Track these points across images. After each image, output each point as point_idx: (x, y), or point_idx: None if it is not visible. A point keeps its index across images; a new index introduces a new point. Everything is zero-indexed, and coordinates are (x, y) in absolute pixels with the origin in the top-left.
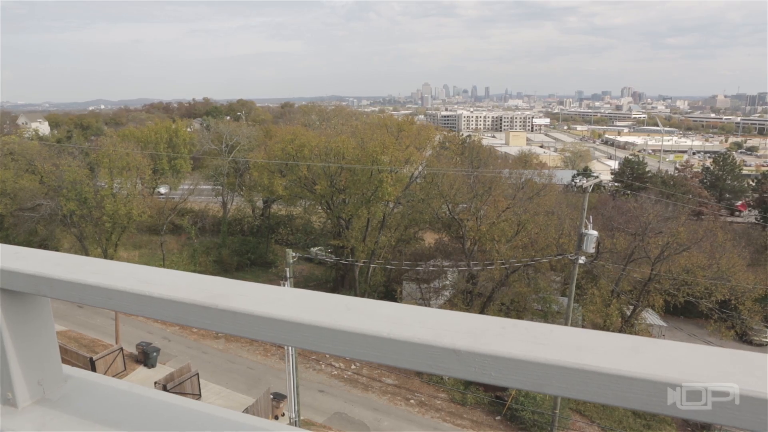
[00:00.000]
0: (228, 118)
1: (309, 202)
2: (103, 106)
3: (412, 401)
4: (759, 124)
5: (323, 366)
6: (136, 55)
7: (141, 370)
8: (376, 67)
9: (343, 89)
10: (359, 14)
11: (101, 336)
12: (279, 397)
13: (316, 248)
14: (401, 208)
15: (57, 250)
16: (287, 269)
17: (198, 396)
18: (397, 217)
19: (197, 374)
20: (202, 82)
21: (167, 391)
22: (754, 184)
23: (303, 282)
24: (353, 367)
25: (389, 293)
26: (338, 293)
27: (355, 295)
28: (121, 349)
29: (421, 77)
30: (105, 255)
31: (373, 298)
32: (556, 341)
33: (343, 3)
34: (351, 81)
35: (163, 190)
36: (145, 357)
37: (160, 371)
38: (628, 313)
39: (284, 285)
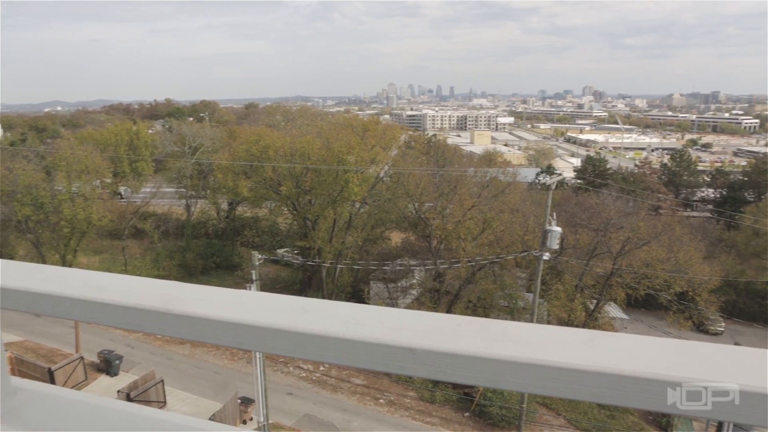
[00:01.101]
0: (191, 119)
1: (275, 203)
2: (59, 108)
3: (381, 401)
4: (712, 122)
5: (291, 368)
6: (95, 56)
7: (103, 379)
8: (341, 67)
9: (308, 89)
10: (323, 14)
11: (60, 345)
12: (247, 402)
13: (283, 250)
14: (367, 208)
15: (12, 258)
16: (253, 272)
17: (163, 403)
18: (364, 217)
19: (162, 381)
20: (164, 83)
21: (131, 399)
22: (708, 180)
23: (270, 284)
24: (321, 368)
25: (356, 293)
26: (305, 294)
27: (323, 295)
28: (82, 358)
29: (387, 77)
30: (63, 261)
31: (341, 298)
32: (510, 337)
33: (307, 3)
34: (316, 81)
35: (123, 191)
36: (107, 365)
37: (124, 379)
38: (592, 307)
39: (250, 288)
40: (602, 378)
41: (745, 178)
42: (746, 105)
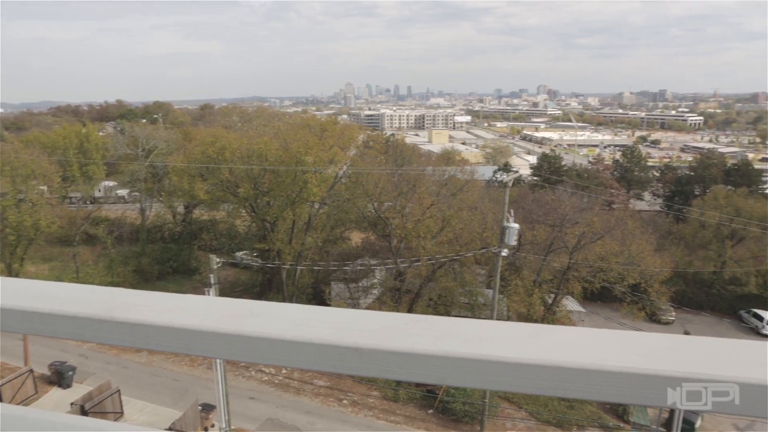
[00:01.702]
0: (144, 120)
1: (232, 205)
2: (1, 110)
3: (344, 401)
4: (661, 119)
5: (253, 372)
6: (40, 55)
7: (55, 392)
8: (299, 67)
9: (265, 90)
10: (279, 14)
11: (7, 358)
12: (208, 408)
13: (242, 252)
14: (327, 208)
15: None
16: (211, 275)
17: (120, 414)
18: (323, 217)
19: (118, 391)
20: (115, 84)
21: (85, 411)
22: (658, 175)
23: (229, 287)
24: (284, 371)
25: (317, 294)
26: (265, 297)
27: (283, 298)
28: (31, 370)
29: (344, 77)
30: (9, 270)
31: (302, 300)
32: (457, 334)
33: (263, 2)
34: (273, 81)
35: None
36: (59, 377)
37: (77, 391)
38: (550, 301)
39: (209, 292)
40: (545, 371)
41: (692, 173)
42: (691, 103)
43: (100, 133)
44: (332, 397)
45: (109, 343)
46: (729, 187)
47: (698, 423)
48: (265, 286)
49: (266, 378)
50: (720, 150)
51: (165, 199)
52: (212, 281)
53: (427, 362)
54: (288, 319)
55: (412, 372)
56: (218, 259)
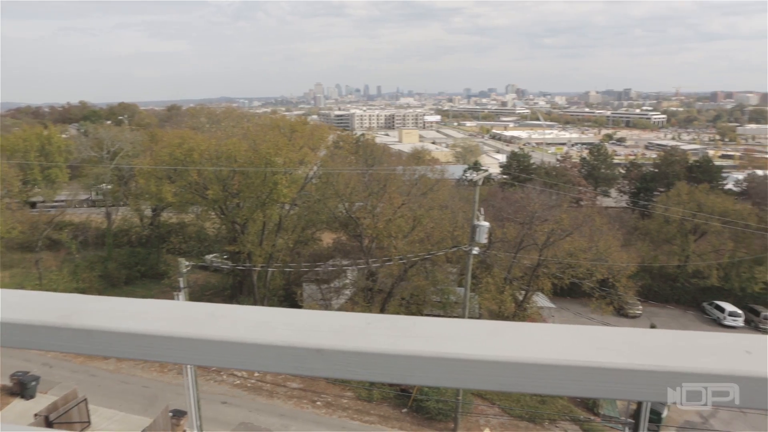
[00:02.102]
0: (109, 122)
1: (201, 208)
2: None
3: (318, 403)
4: (626, 118)
5: (225, 376)
6: None
7: (17, 403)
8: (267, 68)
9: (234, 90)
10: (247, 13)
11: None
12: (179, 414)
13: (212, 255)
14: (297, 209)
15: None
16: (181, 279)
17: (87, 424)
18: (294, 218)
19: (85, 400)
20: (78, 85)
21: (50, 423)
22: (623, 172)
23: (199, 291)
24: (256, 374)
25: (289, 296)
26: (236, 300)
27: (254, 300)
28: None
29: (314, 77)
30: None
31: (273, 302)
32: (418, 333)
33: (230, 2)
34: (241, 82)
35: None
36: (22, 388)
37: (41, 401)
38: (521, 297)
39: (178, 296)
40: (505, 367)
41: (656, 170)
42: (654, 101)
43: (63, 136)
44: (306, 399)
45: (64, 351)
46: (691, 183)
47: (665, 413)
48: (236, 288)
49: (238, 382)
50: (682, 147)
51: (132, 203)
52: (181, 285)
53: (389, 362)
54: (249, 322)
55: (375, 372)
56: (187, 263)
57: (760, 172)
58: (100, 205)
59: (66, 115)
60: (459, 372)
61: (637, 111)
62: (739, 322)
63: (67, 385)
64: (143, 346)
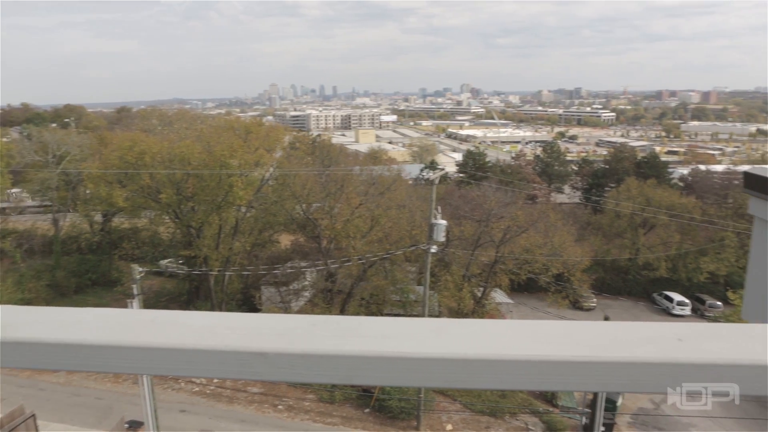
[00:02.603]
0: (54, 125)
1: (155, 212)
2: None
3: (280, 407)
4: (577, 116)
5: (183, 384)
6: None
7: None
8: (221, 68)
9: (186, 91)
10: (198, 13)
11: None
12: (135, 425)
13: (166, 261)
14: (254, 211)
15: None
16: (134, 286)
17: None
18: (251, 221)
19: (33, 416)
20: (20, 86)
21: None
22: (576, 169)
23: (154, 297)
24: (216, 381)
25: (248, 300)
26: (193, 305)
27: (212, 305)
28: None
29: (268, 77)
30: None
31: (231, 306)
32: (363, 333)
33: (180, 1)
34: (194, 82)
35: None
36: None
37: None
38: (479, 294)
39: (132, 303)
40: (451, 364)
41: (606, 167)
42: (604, 100)
43: (4, 139)
44: (267, 403)
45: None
46: (640, 178)
47: (620, 401)
48: (192, 294)
49: (197, 389)
50: (631, 144)
51: (81, 208)
52: (135, 292)
53: (335, 363)
54: (191, 327)
55: (319, 373)
56: (141, 269)
57: (702, 167)
58: (47, 211)
59: (7, 118)
60: (402, 370)
61: (588, 109)
62: (687, 310)
63: (13, 401)
64: (80, 357)
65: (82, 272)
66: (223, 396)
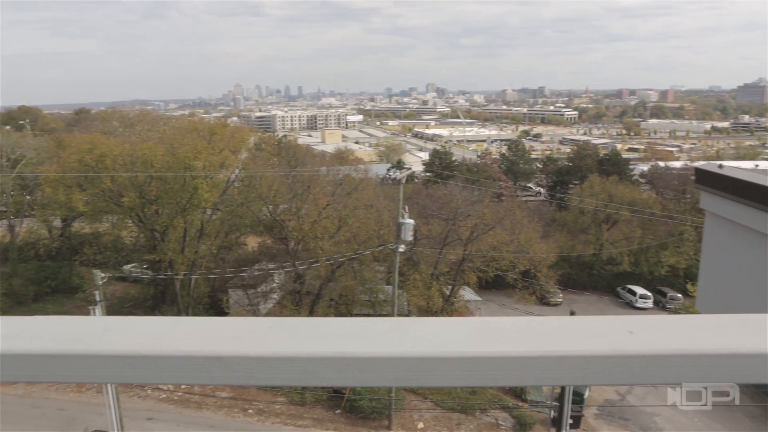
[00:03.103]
0: (8, 127)
1: (117, 216)
2: None
3: (250, 411)
4: (541, 114)
5: (149, 391)
6: None
7: None
8: (183, 68)
9: (148, 92)
10: (159, 12)
11: None
12: None
13: (130, 266)
14: (220, 214)
15: None
16: (96, 293)
17: None
18: (217, 223)
19: None
20: None
21: None
22: (540, 167)
23: (118, 304)
24: (183, 386)
25: (215, 303)
26: (159, 311)
27: (178, 310)
28: None
29: (233, 78)
30: None
31: (198, 310)
32: (321, 334)
33: (140, 0)
34: (156, 83)
35: None
36: None
37: None
38: (448, 292)
39: (94, 310)
40: (406, 362)
41: (570, 164)
42: (566, 99)
43: None
44: (237, 407)
45: None
46: (602, 175)
47: (587, 394)
48: (157, 299)
49: (164, 396)
50: (593, 142)
51: (38, 213)
52: (98, 298)
53: (291, 365)
54: (144, 333)
55: (277, 376)
56: (103, 275)
57: (662, 164)
58: (1, 217)
59: None
60: (357, 370)
61: (551, 108)
62: (649, 303)
63: None
64: (26, 368)
65: (40, 279)
66: (192, 402)
